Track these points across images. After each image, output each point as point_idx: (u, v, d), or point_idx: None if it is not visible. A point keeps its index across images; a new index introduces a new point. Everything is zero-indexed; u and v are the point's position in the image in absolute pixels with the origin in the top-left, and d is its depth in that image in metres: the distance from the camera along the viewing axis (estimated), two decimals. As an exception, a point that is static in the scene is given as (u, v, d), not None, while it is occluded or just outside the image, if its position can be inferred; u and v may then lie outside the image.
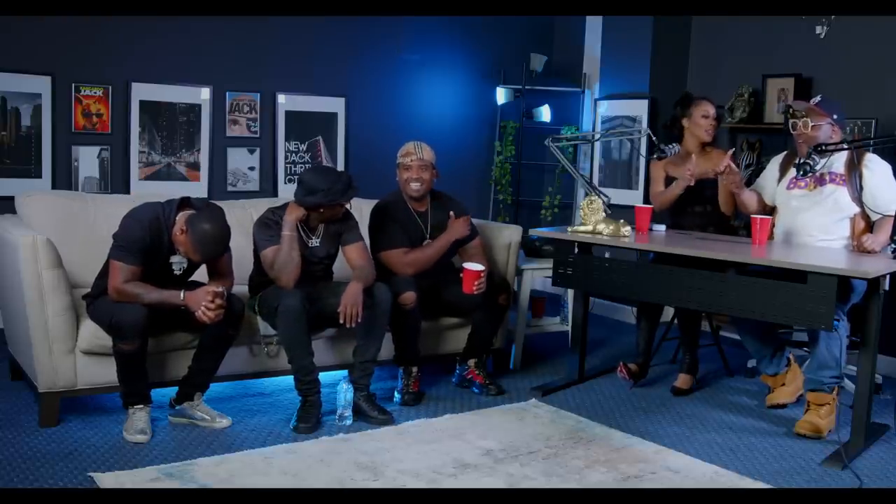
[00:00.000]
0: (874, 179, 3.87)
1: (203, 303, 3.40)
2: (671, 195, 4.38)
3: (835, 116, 3.95)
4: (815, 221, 3.96)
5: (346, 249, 3.90)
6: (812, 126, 3.91)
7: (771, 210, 4.20)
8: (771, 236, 4.12)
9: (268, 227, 3.77)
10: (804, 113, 3.95)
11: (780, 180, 4.15)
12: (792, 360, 4.16)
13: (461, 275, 4.02)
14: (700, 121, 4.40)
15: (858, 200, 3.90)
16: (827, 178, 3.96)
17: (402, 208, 4.20)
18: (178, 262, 3.53)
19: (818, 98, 4.01)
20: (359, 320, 3.68)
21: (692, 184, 4.25)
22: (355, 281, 3.73)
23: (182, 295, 3.42)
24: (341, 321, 3.66)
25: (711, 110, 4.40)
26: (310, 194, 3.72)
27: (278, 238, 3.72)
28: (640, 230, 4.26)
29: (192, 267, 3.62)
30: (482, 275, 3.99)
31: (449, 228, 4.18)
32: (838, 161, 3.96)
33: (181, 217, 3.44)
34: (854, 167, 3.92)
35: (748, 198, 4.20)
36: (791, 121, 4.02)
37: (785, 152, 4.25)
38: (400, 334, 4.05)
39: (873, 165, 3.90)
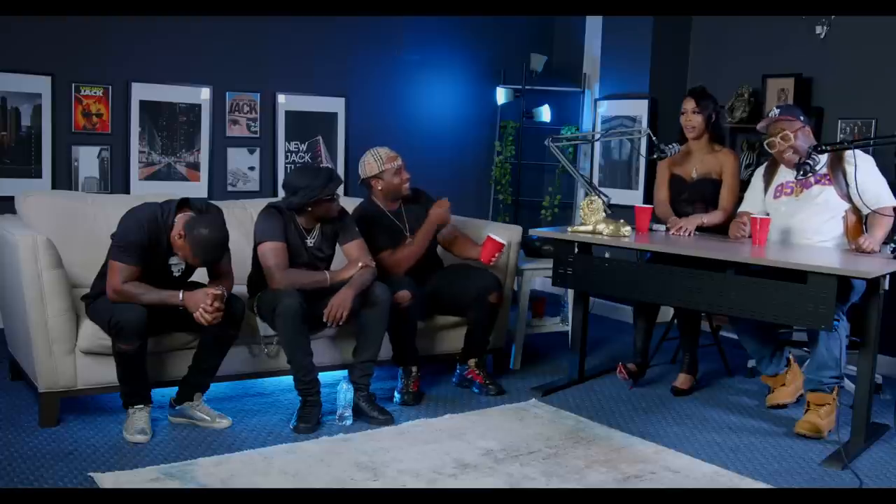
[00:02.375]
0: (859, 174, 3.85)
1: (201, 305, 3.40)
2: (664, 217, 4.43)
3: (802, 118, 3.97)
4: (807, 224, 3.96)
5: (345, 248, 3.91)
6: (793, 134, 3.91)
7: None
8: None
9: (272, 218, 3.77)
10: (779, 127, 3.94)
11: (765, 191, 4.15)
12: (792, 360, 4.16)
13: (468, 246, 4.21)
14: (680, 117, 4.41)
15: (847, 197, 3.90)
16: (812, 179, 3.96)
17: (380, 213, 4.20)
18: (177, 264, 3.53)
19: (777, 110, 3.99)
20: (340, 323, 3.70)
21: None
22: (348, 287, 3.73)
23: (181, 295, 3.42)
24: (324, 319, 3.68)
25: (689, 105, 4.36)
26: (293, 195, 3.73)
27: (281, 233, 3.73)
28: (640, 230, 4.26)
29: (192, 268, 3.62)
30: (503, 248, 4.13)
31: (430, 215, 4.16)
32: (820, 163, 3.96)
33: (179, 220, 3.43)
34: (837, 165, 3.92)
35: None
36: (767, 140, 4.01)
37: (765, 163, 4.25)
38: (396, 334, 4.05)
39: (856, 161, 3.88)
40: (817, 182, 3.95)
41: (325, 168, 3.87)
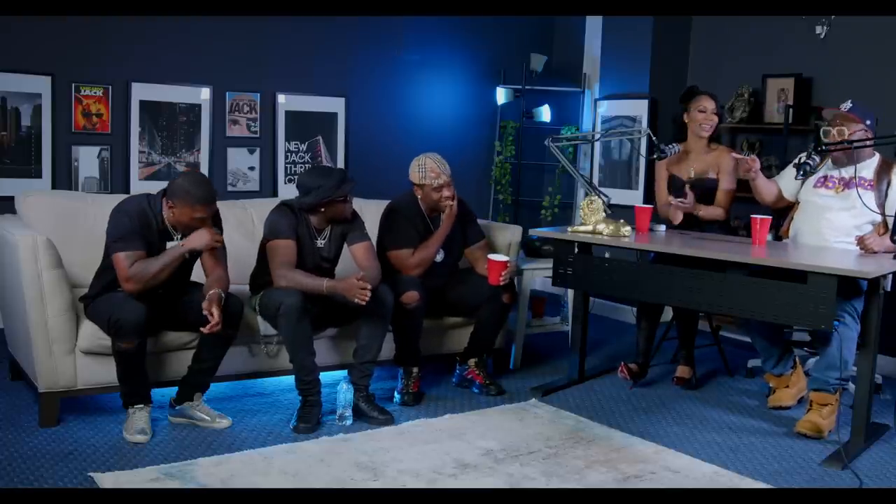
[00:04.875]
0: None
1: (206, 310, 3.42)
2: (669, 216, 4.42)
3: (868, 122, 3.93)
4: (838, 223, 3.93)
5: (352, 249, 3.90)
6: (849, 133, 3.88)
7: (785, 206, 4.22)
8: (786, 231, 4.12)
9: (283, 216, 3.76)
10: (838, 121, 3.92)
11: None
12: (797, 362, 4.15)
13: (486, 266, 4.08)
14: (697, 115, 4.40)
15: (882, 206, 3.88)
16: (855, 181, 3.94)
17: (416, 212, 4.20)
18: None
19: (849, 104, 3.96)
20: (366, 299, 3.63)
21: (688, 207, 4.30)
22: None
23: (181, 242, 3.47)
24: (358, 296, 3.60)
25: (710, 105, 4.37)
26: (306, 195, 3.73)
27: (291, 232, 3.73)
28: (640, 230, 4.26)
29: (192, 255, 3.60)
30: (507, 265, 4.04)
31: (444, 218, 4.17)
32: (868, 167, 3.94)
33: (165, 202, 3.49)
34: (885, 174, 3.91)
35: (765, 186, 4.17)
36: (823, 129, 3.98)
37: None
38: (401, 334, 4.05)
39: None
40: (860, 185, 3.91)
41: (339, 169, 3.87)
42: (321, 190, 3.71)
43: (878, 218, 3.88)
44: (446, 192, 4.12)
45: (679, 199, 4.31)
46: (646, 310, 4.47)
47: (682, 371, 4.49)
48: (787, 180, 4.21)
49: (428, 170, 4.10)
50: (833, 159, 3.99)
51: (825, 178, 4.04)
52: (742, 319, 4.02)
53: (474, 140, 6.64)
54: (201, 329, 3.41)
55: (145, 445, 3.42)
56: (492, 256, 4.08)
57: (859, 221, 3.90)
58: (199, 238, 3.47)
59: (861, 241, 3.79)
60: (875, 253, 3.73)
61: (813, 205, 4.05)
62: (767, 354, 4.11)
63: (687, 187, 4.38)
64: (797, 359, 4.16)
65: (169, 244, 3.53)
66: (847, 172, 3.96)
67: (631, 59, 5.97)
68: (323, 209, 3.77)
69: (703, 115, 4.39)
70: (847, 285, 3.49)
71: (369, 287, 3.62)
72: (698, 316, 4.58)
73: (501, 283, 4.04)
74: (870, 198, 3.88)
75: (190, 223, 3.49)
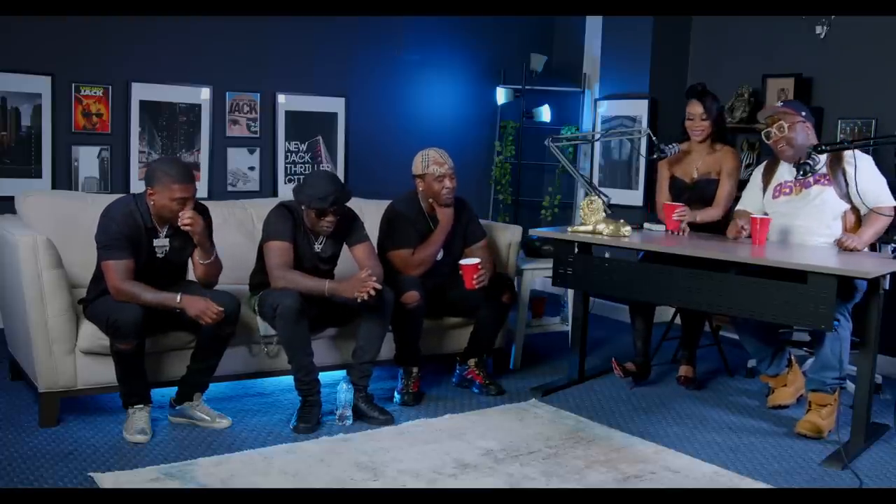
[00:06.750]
0: (859, 175, 3.85)
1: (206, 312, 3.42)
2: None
3: (803, 114, 3.97)
4: (807, 225, 3.95)
5: (353, 249, 3.89)
6: (788, 126, 3.91)
7: None
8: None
9: (282, 218, 3.76)
10: (777, 117, 3.95)
11: (764, 191, 4.14)
12: (793, 361, 4.16)
13: (460, 272, 4.04)
14: (686, 122, 4.40)
15: (846, 197, 3.90)
16: (811, 179, 3.95)
17: (417, 211, 4.20)
18: (161, 246, 3.55)
19: (780, 103, 4.01)
20: (374, 291, 3.61)
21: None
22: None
23: (179, 298, 3.43)
24: (360, 294, 3.60)
25: (696, 110, 4.33)
26: (297, 193, 3.73)
27: (288, 233, 3.72)
28: (670, 227, 4.21)
29: (177, 247, 3.60)
30: (479, 268, 4.00)
31: (440, 221, 4.18)
32: (820, 163, 3.96)
33: (146, 194, 3.50)
34: (837, 165, 3.92)
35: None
36: (764, 131, 4.00)
37: (765, 162, 4.24)
38: (401, 334, 4.05)
39: (855, 161, 3.88)
40: (816, 182, 3.94)
41: (338, 184, 3.74)
42: (303, 195, 3.69)
43: (843, 208, 3.89)
44: (448, 183, 4.11)
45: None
46: (638, 309, 4.46)
47: (685, 370, 4.50)
48: (750, 200, 4.21)
49: (431, 160, 4.10)
50: (779, 154, 3.99)
51: (780, 185, 4.05)
52: (741, 320, 4.02)
53: (474, 140, 6.64)
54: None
55: (145, 445, 3.42)
56: (463, 261, 4.04)
57: (827, 218, 3.92)
58: (195, 306, 3.42)
59: (839, 242, 3.80)
60: (856, 251, 3.74)
61: (780, 215, 4.05)
62: (760, 355, 4.11)
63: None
64: (792, 357, 4.17)
65: (155, 241, 3.53)
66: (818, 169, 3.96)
67: (631, 59, 5.97)
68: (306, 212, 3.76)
69: (690, 122, 4.37)
70: (843, 286, 3.48)
71: (374, 279, 3.61)
72: (705, 319, 4.58)
73: (476, 287, 4.00)
74: (830, 192, 3.90)
75: (170, 206, 3.44)
